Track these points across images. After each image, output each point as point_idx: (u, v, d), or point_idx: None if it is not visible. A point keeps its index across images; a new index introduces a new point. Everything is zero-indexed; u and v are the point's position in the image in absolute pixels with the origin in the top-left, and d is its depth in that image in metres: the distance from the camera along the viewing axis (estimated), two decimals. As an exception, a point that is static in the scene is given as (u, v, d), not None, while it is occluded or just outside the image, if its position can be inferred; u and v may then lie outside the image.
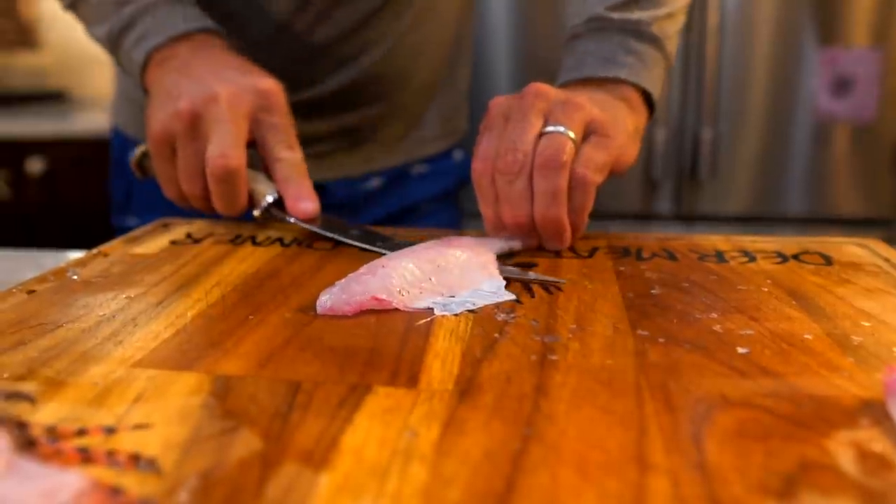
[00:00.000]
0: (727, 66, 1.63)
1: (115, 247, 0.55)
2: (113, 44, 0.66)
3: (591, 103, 0.54)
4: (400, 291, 0.42)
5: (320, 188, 0.80)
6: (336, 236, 0.56)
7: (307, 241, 0.57)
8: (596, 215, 0.54)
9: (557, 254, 0.53)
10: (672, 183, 1.69)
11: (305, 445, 0.27)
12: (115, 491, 0.24)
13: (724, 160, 1.66)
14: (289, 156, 0.58)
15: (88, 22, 0.68)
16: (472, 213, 0.68)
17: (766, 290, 0.45)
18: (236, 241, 0.56)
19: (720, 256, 0.52)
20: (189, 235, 0.58)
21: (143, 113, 0.83)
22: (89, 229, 2.02)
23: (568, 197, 0.51)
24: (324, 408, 0.30)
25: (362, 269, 0.43)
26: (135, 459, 0.26)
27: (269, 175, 0.60)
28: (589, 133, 0.53)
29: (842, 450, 0.27)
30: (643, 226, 1.69)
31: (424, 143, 0.86)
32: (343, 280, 0.43)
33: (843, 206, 1.68)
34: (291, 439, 0.28)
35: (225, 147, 0.54)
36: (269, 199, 0.59)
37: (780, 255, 0.52)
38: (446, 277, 0.44)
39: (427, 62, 0.81)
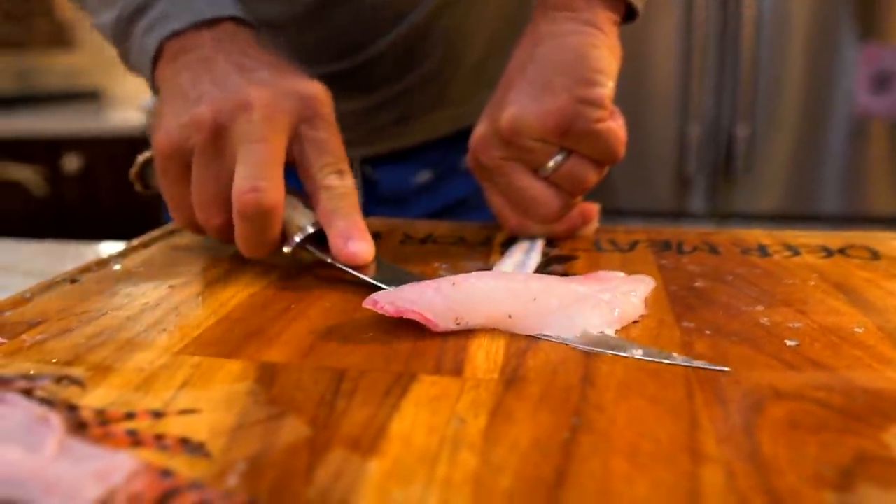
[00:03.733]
0: (763, 61, 1.61)
1: (155, 238, 0.55)
2: (122, 32, 0.54)
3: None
4: (457, 321, 0.36)
5: (371, 183, 0.80)
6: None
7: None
8: (628, 213, 0.53)
9: (598, 247, 0.52)
10: (706, 180, 1.67)
11: (353, 432, 0.27)
12: (166, 473, 0.24)
13: (760, 157, 1.64)
14: (338, 183, 0.46)
15: (94, 9, 0.57)
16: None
17: (812, 283, 0.44)
18: (275, 233, 0.57)
19: (763, 250, 0.51)
20: (228, 227, 0.59)
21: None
22: (125, 225, 2.05)
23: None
24: (370, 395, 0.30)
25: (431, 282, 0.38)
26: (183, 443, 0.26)
27: (309, 203, 0.48)
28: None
29: (899, 442, 0.26)
30: (676, 224, 1.68)
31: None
32: (408, 285, 0.38)
33: (879, 205, 1.65)
34: (338, 426, 0.27)
35: (259, 176, 0.43)
36: (309, 229, 0.46)
37: (825, 249, 0.51)
38: (536, 310, 0.37)
39: (483, 19, 0.79)
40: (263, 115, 0.44)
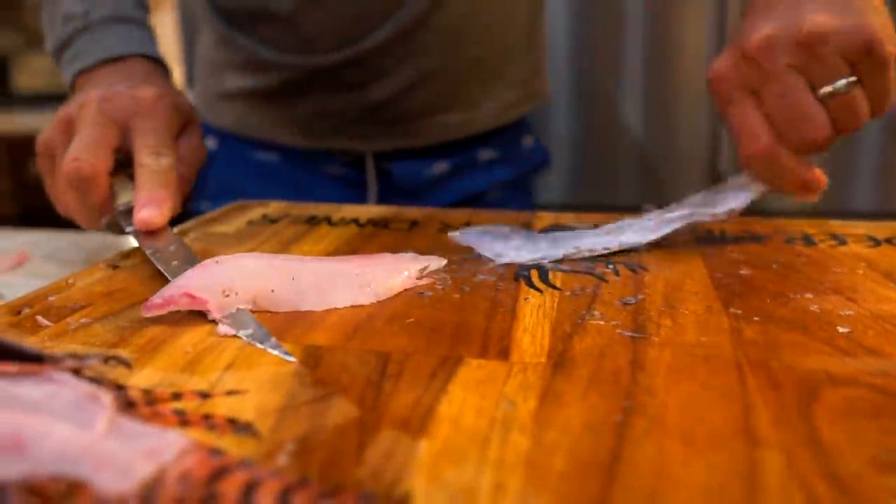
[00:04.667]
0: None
1: (193, 227, 0.55)
2: (56, 62, 0.63)
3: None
4: (225, 292, 0.37)
5: (385, 173, 0.80)
6: (158, 265, 0.44)
7: (383, 221, 0.57)
8: (659, 208, 0.52)
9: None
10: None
11: (401, 413, 0.27)
12: (216, 452, 0.24)
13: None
14: (151, 161, 0.50)
15: (46, 36, 0.65)
16: (545, 203, 0.66)
17: (860, 272, 0.43)
18: (312, 221, 0.57)
19: (808, 239, 0.50)
20: (265, 216, 0.59)
21: (214, 101, 0.85)
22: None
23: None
24: (416, 378, 0.29)
25: (199, 265, 0.40)
26: (231, 423, 0.26)
27: None
28: None
29: (962, 428, 0.26)
30: (709, 220, 1.66)
31: (505, 106, 0.84)
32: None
33: (915, 203, 1.62)
34: (387, 407, 0.27)
35: (81, 150, 0.49)
36: (121, 207, 0.51)
37: (871, 238, 0.50)
38: (294, 288, 0.39)
39: (482, 19, 0.78)
40: (98, 108, 0.51)
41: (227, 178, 0.84)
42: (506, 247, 0.47)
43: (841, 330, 0.34)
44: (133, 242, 0.48)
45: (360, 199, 0.81)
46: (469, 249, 0.48)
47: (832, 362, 0.31)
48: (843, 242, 0.49)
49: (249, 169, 0.84)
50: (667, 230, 0.48)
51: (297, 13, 0.72)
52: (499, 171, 0.85)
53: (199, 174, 0.55)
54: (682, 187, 1.67)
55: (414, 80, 0.76)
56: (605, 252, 0.46)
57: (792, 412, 0.27)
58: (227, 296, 0.37)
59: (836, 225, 0.54)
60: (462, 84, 0.79)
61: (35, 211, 2.11)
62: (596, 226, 0.52)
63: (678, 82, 1.64)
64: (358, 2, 0.71)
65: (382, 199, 0.81)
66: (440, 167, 0.82)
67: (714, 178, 1.66)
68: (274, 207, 0.62)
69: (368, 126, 0.79)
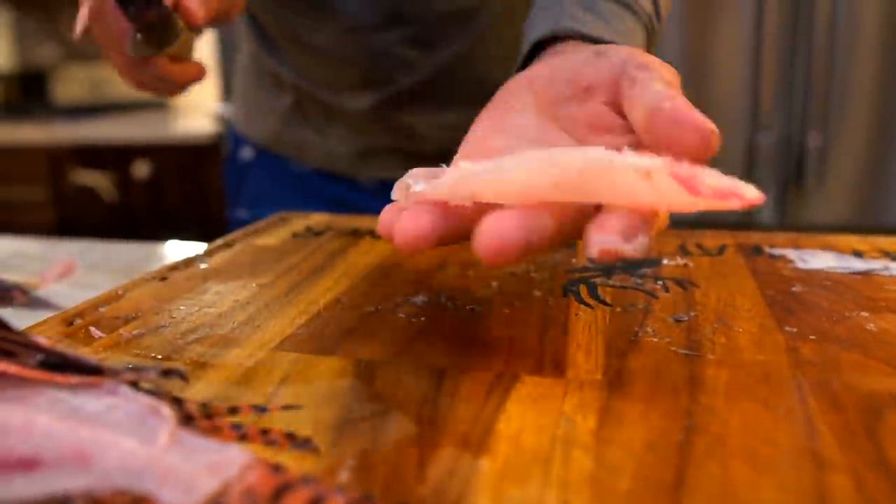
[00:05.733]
0: (836, 69, 1.57)
1: (237, 238, 0.56)
2: None
3: None
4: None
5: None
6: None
7: (426, 235, 0.57)
8: (695, 225, 0.51)
9: (684, 250, 0.51)
10: (776, 191, 1.64)
11: (460, 430, 0.27)
12: (278, 467, 0.24)
13: (831, 167, 1.60)
14: None
15: None
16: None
17: (916, 290, 0.42)
18: (355, 234, 0.57)
19: (859, 256, 0.49)
20: (309, 228, 0.59)
21: (254, 113, 0.86)
22: (190, 230, 2.08)
23: None
24: (473, 394, 0.29)
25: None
26: (290, 438, 0.26)
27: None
28: None
29: None
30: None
31: None
32: None
33: (954, 219, 1.60)
34: (445, 424, 0.27)
35: None
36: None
37: (924, 255, 0.49)
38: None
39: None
40: None
41: (263, 188, 0.86)
42: None
43: (901, 349, 0.34)
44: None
45: None
46: (515, 264, 0.48)
47: (894, 383, 0.30)
48: (894, 259, 0.48)
49: (285, 179, 0.85)
50: None
51: (330, 47, 0.73)
52: None
53: None
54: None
55: (452, 121, 0.77)
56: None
57: (857, 433, 0.26)
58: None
59: (887, 242, 0.53)
60: None
61: (74, 221, 2.14)
62: None
63: (712, 93, 1.63)
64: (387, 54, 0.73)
65: None
66: None
67: (750, 192, 1.64)
68: (316, 219, 0.62)
69: (399, 160, 0.79)
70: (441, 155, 0.78)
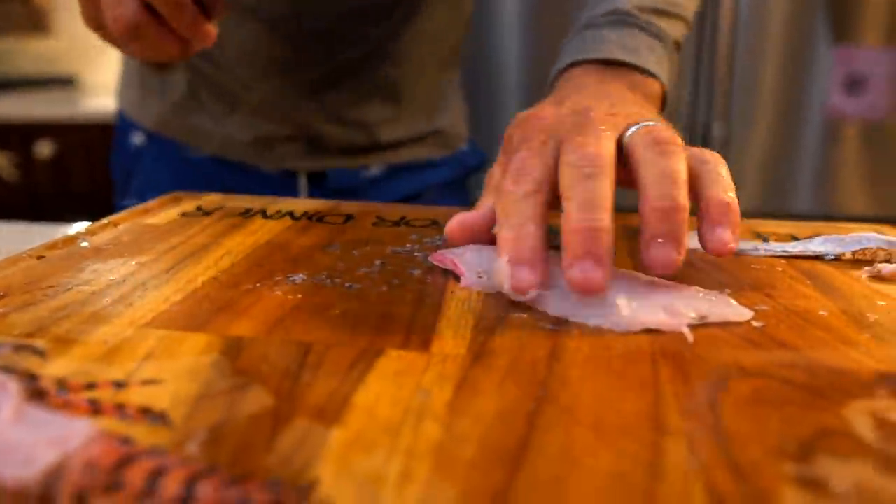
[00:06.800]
0: (739, 63, 1.62)
1: (125, 217, 0.55)
2: None
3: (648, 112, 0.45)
4: (479, 274, 0.40)
5: (320, 175, 0.80)
6: None
7: (318, 214, 0.56)
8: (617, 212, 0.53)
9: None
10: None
11: (317, 403, 0.27)
12: (125, 440, 0.24)
13: (735, 157, 1.65)
14: None
15: None
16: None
17: (780, 269, 0.44)
18: (246, 214, 0.56)
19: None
20: (199, 208, 0.58)
21: (145, 97, 0.83)
22: (96, 213, 2.02)
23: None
24: (335, 368, 0.30)
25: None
26: (144, 412, 0.26)
27: None
28: None
29: (859, 418, 0.27)
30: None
31: (425, 150, 0.86)
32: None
33: (852, 206, 1.67)
34: (303, 397, 0.27)
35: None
36: None
37: (794, 238, 0.51)
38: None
39: (415, 75, 0.81)
40: None
41: (156, 176, 0.83)
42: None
43: (755, 324, 0.35)
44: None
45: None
46: (402, 243, 0.48)
47: (743, 354, 0.32)
48: (765, 240, 0.50)
49: (180, 167, 0.83)
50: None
51: (233, 33, 0.72)
52: (434, 174, 0.86)
53: None
54: (627, 190, 1.70)
55: (355, 114, 0.77)
56: None
57: (700, 402, 0.27)
58: (481, 277, 0.40)
59: (761, 224, 0.55)
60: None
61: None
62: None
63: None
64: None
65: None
66: (375, 170, 0.82)
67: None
68: (208, 200, 0.61)
69: (301, 148, 0.79)
70: (342, 148, 0.79)
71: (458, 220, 0.44)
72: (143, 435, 0.25)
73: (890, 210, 1.66)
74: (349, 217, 0.56)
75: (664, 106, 0.55)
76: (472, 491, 0.22)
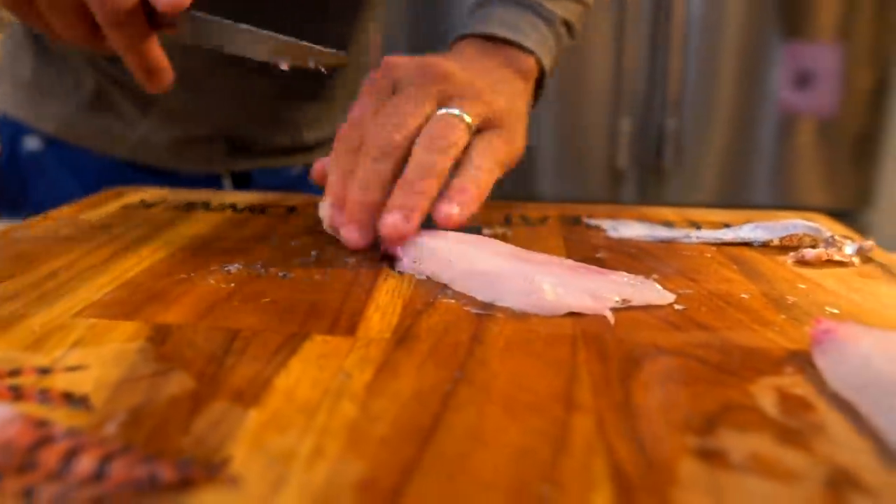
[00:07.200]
0: (693, 58, 1.64)
1: (62, 212, 0.55)
2: None
3: (491, 90, 0.48)
4: (415, 260, 0.42)
5: (245, 176, 0.79)
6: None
7: (261, 207, 0.57)
8: (562, 203, 0.54)
9: (508, 220, 0.53)
10: (637, 173, 1.71)
11: (238, 386, 0.27)
12: (42, 423, 0.24)
13: (690, 151, 1.68)
14: None
15: None
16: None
17: (709, 255, 0.45)
18: (189, 207, 0.56)
19: (669, 226, 0.52)
20: (142, 201, 0.58)
21: (39, 98, 0.74)
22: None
23: (456, 190, 0.44)
24: (260, 353, 0.30)
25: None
26: (66, 397, 0.26)
27: None
28: (487, 126, 0.48)
29: (764, 393, 0.28)
30: (608, 213, 1.70)
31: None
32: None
33: (806, 198, 1.70)
34: (225, 380, 0.28)
35: None
36: None
37: (726, 225, 0.53)
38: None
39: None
40: None
41: (59, 184, 0.76)
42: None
43: (677, 307, 0.36)
44: None
45: None
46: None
47: (661, 336, 0.33)
48: (698, 228, 0.52)
49: (87, 174, 0.75)
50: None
51: None
52: None
53: None
54: (583, 183, 1.72)
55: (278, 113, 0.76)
56: None
57: (612, 381, 0.28)
58: (415, 263, 0.41)
59: (696, 212, 0.57)
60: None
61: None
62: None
63: (580, 81, 1.68)
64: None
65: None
66: (298, 168, 0.81)
67: (613, 174, 1.70)
68: (152, 193, 0.61)
69: (221, 150, 0.77)
70: (266, 150, 0.77)
71: (322, 164, 0.50)
72: (63, 418, 0.25)
73: (843, 202, 1.70)
74: (292, 209, 0.56)
75: (543, 80, 0.57)
76: (380, 466, 0.22)
